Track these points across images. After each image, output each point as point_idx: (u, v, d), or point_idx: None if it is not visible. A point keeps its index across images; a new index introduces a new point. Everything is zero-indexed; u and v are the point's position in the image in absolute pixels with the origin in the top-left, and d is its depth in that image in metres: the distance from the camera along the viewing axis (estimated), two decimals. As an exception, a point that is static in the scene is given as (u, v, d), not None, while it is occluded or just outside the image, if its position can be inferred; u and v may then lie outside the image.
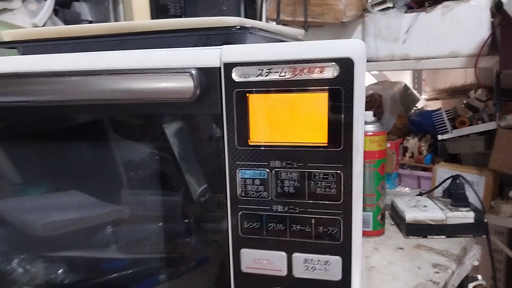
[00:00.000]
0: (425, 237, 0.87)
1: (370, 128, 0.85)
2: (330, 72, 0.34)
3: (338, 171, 0.35)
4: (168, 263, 0.45)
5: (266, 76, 0.35)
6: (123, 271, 0.49)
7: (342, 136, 0.35)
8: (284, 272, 0.38)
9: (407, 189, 1.29)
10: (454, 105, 1.25)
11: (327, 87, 0.34)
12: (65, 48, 0.54)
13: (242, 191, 0.38)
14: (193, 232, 0.43)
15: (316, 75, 0.34)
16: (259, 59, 0.35)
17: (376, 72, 1.73)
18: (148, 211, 0.46)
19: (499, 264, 1.38)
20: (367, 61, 1.16)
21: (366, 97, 1.40)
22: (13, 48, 0.56)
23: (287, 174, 0.36)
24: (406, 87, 1.42)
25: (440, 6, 1.01)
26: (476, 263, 0.83)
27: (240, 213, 0.38)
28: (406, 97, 1.40)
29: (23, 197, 0.52)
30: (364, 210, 0.88)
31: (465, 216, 0.86)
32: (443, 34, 1.02)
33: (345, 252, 0.36)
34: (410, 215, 0.87)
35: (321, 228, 0.37)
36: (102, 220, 0.49)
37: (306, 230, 0.37)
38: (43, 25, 1.07)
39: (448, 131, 1.12)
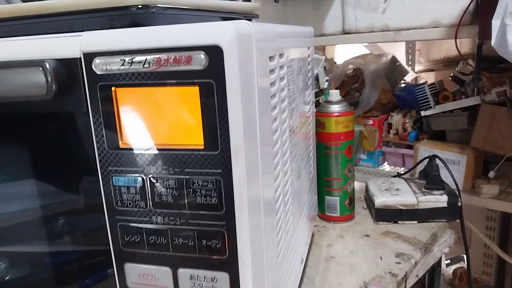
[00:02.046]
0: (395, 222, 0.83)
1: (336, 108, 0.80)
2: (198, 62, 0.28)
3: (218, 177, 0.30)
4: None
5: (129, 66, 0.30)
6: (69, 265, 0.46)
7: (218, 138, 0.30)
8: (170, 289, 0.34)
9: (391, 167, 1.24)
10: (448, 77, 1.17)
11: (197, 80, 0.29)
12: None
13: (118, 200, 0.33)
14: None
15: (183, 67, 0.28)
16: (119, 48, 0.30)
17: (367, 43, 1.65)
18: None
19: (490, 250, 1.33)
20: (347, 33, 1.09)
21: (352, 71, 1.33)
22: None
23: (164, 182, 0.31)
24: (394, 60, 1.34)
25: (420, -30, 0.93)
26: (447, 250, 0.78)
27: (119, 224, 0.34)
28: (394, 70, 1.32)
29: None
30: (331, 194, 0.83)
31: (438, 200, 0.81)
32: (424, 2, 0.94)
33: (232, 267, 0.32)
34: (380, 199, 0.82)
35: (204, 241, 0.32)
36: (48, 212, 0.45)
37: (189, 243, 0.32)
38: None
39: (431, 107, 1.06)
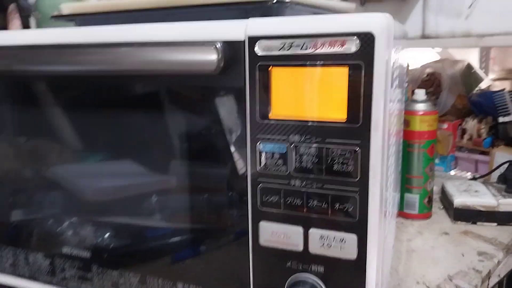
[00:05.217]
0: (474, 223, 0.83)
1: (421, 107, 0.82)
2: (351, 46, 0.33)
3: (356, 148, 0.35)
4: (210, 234, 0.46)
5: (288, 50, 0.35)
6: (165, 239, 0.51)
7: (360, 113, 0.34)
8: (300, 247, 0.39)
9: (463, 172, 1.23)
10: (522, 86, 1.16)
11: (347, 62, 0.34)
12: (116, 21, 0.57)
13: (262, 164, 0.38)
14: (235, 205, 0.44)
15: (336, 49, 0.33)
16: (282, 33, 0.35)
17: (440, 50, 1.64)
18: (194, 182, 0.47)
19: None
20: (426, 38, 1.11)
21: (426, 75, 1.33)
22: (71, 20, 0.60)
23: (306, 149, 0.36)
24: (469, 66, 1.33)
25: (509, -23, 0.93)
26: (529, 254, 0.78)
27: (259, 186, 0.39)
28: (469, 76, 1.32)
29: (79, 164, 0.55)
30: (410, 192, 0.86)
31: (519, 204, 0.81)
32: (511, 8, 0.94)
33: (361, 230, 0.36)
34: (459, 199, 0.84)
35: (337, 204, 0.36)
36: (149, 188, 0.51)
37: (323, 206, 0.37)
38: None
39: (510, 113, 1.05)
